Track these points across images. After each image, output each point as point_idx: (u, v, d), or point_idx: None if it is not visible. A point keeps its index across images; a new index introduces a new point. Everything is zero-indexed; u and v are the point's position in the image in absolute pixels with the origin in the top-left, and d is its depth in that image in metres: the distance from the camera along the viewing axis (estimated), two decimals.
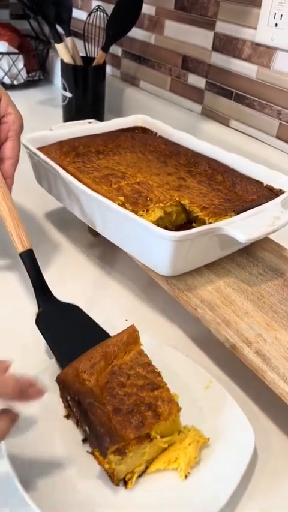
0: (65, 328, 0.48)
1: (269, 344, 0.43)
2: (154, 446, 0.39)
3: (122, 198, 0.54)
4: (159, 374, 0.42)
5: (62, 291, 0.52)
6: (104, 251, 0.66)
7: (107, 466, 0.37)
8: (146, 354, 0.44)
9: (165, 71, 1.01)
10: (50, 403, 0.42)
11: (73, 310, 0.49)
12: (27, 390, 0.34)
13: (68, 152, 0.65)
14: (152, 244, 0.48)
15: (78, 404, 0.39)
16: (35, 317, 0.48)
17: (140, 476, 0.38)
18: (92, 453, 0.39)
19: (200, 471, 0.38)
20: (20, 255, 0.49)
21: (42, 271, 0.50)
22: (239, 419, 0.41)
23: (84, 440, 0.40)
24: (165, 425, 0.39)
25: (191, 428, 0.41)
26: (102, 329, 0.48)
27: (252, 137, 0.86)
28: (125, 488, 0.37)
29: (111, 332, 0.52)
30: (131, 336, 0.45)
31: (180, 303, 0.50)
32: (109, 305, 0.57)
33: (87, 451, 0.39)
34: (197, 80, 0.94)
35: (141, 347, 0.45)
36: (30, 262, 0.49)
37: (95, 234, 0.69)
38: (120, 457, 0.36)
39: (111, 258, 0.65)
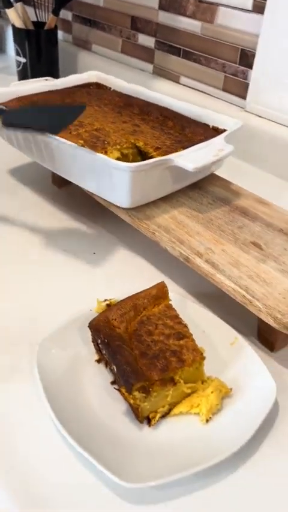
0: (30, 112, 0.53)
1: (217, 255, 0.50)
2: (177, 390, 0.41)
3: (81, 141, 0.59)
4: (185, 325, 0.44)
5: (34, 238, 0.59)
6: (69, 200, 0.71)
7: (132, 401, 0.40)
8: (174, 308, 0.46)
9: (115, 32, 1.05)
10: (82, 351, 0.46)
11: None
12: None
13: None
14: (111, 177, 0.54)
15: (108, 346, 0.42)
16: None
17: (163, 417, 0.41)
18: (118, 390, 0.42)
19: (221, 417, 0.41)
20: None
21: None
22: (262, 373, 0.43)
23: (113, 382, 0.44)
24: (189, 372, 0.41)
25: (214, 379, 0.43)
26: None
27: (202, 91, 0.92)
28: (148, 426, 0.41)
29: (77, 263, 0.58)
30: (160, 290, 0.47)
31: (141, 231, 0.56)
32: (76, 243, 0.62)
33: (115, 387, 0.43)
34: (146, 40, 0.98)
35: (170, 302, 0.47)
36: None
37: (59, 185, 0.73)
38: (144, 395, 0.39)
39: (76, 205, 0.70)
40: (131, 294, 0.47)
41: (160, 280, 0.49)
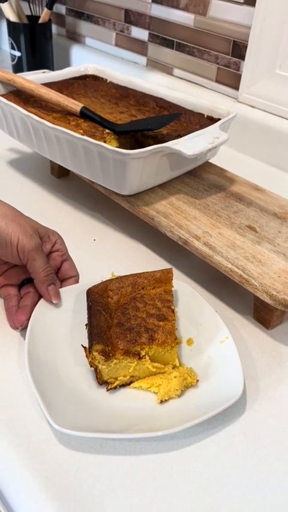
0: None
1: (214, 237, 0.52)
2: (142, 365, 0.42)
3: (81, 131, 0.60)
4: (172, 311, 0.45)
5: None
6: (67, 190, 0.73)
7: (89, 360, 0.41)
8: (172, 295, 0.46)
9: (109, 26, 1.06)
10: (79, 315, 0.48)
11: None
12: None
13: (27, 99, 0.70)
14: (111, 165, 0.56)
15: (89, 310, 0.44)
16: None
17: (123, 386, 0.43)
18: (84, 348, 0.43)
19: (176, 402, 0.42)
20: (81, 111, 0.64)
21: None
22: (236, 379, 0.42)
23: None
24: (159, 352, 0.42)
25: (185, 368, 0.43)
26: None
27: (195, 83, 0.93)
28: (106, 390, 0.42)
29: (78, 250, 0.60)
30: (164, 275, 0.48)
31: (140, 216, 0.58)
32: (78, 230, 0.64)
33: (81, 345, 0.44)
34: (140, 33, 1.00)
35: (172, 288, 0.47)
36: (89, 112, 0.64)
37: (58, 175, 0.75)
38: (103, 358, 0.41)
39: (75, 194, 0.71)
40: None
41: (158, 265, 0.51)
